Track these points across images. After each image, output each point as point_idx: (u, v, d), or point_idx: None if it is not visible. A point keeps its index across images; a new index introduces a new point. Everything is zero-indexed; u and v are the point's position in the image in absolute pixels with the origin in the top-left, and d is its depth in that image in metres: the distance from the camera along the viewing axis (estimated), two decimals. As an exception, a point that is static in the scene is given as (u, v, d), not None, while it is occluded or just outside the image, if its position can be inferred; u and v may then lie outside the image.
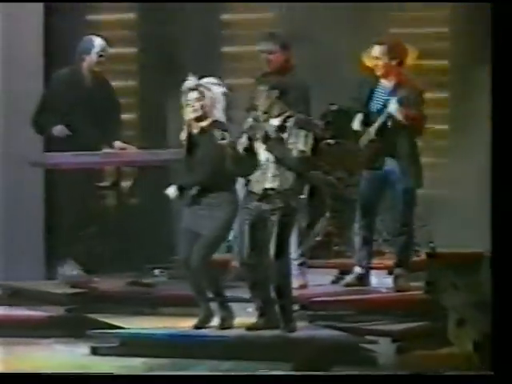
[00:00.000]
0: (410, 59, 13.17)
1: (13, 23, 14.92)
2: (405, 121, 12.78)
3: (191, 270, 11.84)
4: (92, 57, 14.00)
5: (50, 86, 14.51)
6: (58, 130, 13.79)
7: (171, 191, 11.76)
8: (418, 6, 15.70)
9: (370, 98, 12.96)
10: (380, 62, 12.88)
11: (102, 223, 14.49)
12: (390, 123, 12.93)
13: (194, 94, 11.76)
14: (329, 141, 13.43)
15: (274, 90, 11.68)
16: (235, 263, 12.41)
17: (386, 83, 12.95)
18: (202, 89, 11.86)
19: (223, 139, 11.65)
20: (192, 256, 11.63)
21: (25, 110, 14.23)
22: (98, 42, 14.10)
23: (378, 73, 12.91)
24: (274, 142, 11.51)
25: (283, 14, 15.90)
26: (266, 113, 11.54)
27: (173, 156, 12.96)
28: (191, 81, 11.88)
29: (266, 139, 11.48)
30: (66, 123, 13.87)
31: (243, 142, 11.57)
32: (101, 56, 13.89)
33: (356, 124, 12.85)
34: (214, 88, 12.00)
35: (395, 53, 12.97)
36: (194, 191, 11.93)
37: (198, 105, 11.77)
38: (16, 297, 13.67)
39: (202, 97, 11.81)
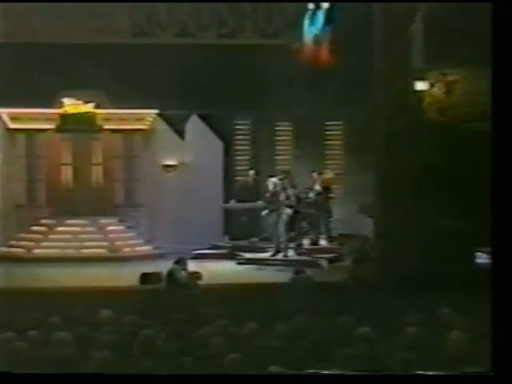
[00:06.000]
0: (334, 179, 13.92)
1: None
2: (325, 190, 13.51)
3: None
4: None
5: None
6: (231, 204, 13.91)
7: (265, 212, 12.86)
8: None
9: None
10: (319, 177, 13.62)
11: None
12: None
13: (273, 181, 12.92)
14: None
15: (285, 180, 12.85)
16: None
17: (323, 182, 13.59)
18: (273, 180, 12.98)
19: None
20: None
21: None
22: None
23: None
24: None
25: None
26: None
27: (256, 205, 13.63)
28: (272, 179, 13.04)
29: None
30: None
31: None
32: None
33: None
34: (276, 180, 13.04)
35: (327, 182, 13.67)
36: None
37: (272, 182, 12.88)
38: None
39: (274, 182, 12.88)
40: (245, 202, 14.01)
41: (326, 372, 4.58)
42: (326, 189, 13.72)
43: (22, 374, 4.34)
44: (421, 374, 4.63)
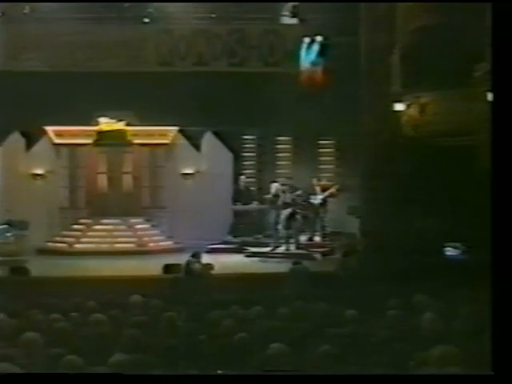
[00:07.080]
0: (333, 190, 13.11)
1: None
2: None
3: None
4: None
5: None
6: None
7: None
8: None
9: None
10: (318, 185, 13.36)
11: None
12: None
13: (275, 185, 12.77)
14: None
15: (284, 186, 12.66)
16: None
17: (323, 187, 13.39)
18: (275, 185, 12.81)
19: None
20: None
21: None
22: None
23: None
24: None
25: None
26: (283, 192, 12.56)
27: (261, 207, 13.57)
28: (273, 184, 12.90)
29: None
30: None
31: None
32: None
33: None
34: (277, 184, 12.86)
35: (324, 187, 13.37)
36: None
37: (274, 187, 12.71)
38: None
39: (275, 187, 12.67)
40: (242, 204, 13.88)
41: (325, 372, 4.03)
42: (324, 192, 13.42)
43: (23, 374, 3.91)
44: (420, 375, 3.91)
